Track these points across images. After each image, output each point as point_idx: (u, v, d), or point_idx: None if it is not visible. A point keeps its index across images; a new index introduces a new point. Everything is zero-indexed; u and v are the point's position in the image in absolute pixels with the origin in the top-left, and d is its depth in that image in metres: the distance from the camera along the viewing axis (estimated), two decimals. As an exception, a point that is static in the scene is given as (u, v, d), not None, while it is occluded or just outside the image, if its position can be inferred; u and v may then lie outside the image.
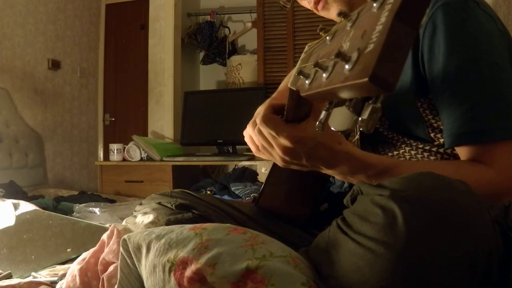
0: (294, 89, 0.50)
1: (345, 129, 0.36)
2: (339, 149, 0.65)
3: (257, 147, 0.78)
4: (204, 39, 3.59)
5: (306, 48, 0.55)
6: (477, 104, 0.67)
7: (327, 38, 0.45)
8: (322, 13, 0.85)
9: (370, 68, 0.29)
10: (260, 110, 0.82)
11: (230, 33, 3.69)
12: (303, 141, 0.62)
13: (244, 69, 3.39)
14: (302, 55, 0.55)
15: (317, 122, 0.42)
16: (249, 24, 3.54)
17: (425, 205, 0.48)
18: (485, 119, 0.67)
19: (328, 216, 0.70)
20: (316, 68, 0.39)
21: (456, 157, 0.74)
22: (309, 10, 0.90)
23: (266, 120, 0.64)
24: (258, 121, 0.66)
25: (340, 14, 0.40)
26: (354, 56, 0.32)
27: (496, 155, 0.66)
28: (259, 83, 3.33)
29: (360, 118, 0.34)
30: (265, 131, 0.65)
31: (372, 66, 0.29)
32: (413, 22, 0.31)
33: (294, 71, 0.55)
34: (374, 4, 0.33)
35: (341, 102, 0.37)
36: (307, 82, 0.43)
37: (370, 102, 0.33)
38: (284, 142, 0.63)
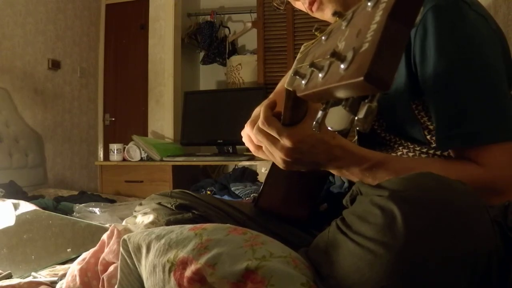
0: (291, 89, 0.50)
1: (342, 129, 0.36)
2: (334, 143, 0.66)
3: (255, 146, 0.78)
4: (204, 39, 3.59)
5: (302, 48, 0.55)
6: (467, 106, 0.67)
7: (323, 38, 0.45)
8: (317, 14, 0.85)
9: (365, 67, 0.30)
10: (257, 111, 0.82)
11: (230, 33, 3.69)
12: (304, 140, 0.64)
13: (244, 69, 3.39)
14: (298, 56, 0.55)
15: (314, 122, 0.42)
16: (249, 24, 3.54)
17: (424, 206, 0.48)
18: (475, 121, 0.67)
19: (328, 216, 0.70)
20: (312, 68, 0.39)
21: (442, 158, 0.74)
22: (307, 11, 0.90)
23: (268, 122, 0.66)
24: (260, 122, 0.68)
25: (335, 13, 0.40)
26: (349, 55, 0.32)
27: (487, 156, 0.66)
28: (259, 83, 3.33)
29: (356, 118, 0.34)
30: (267, 132, 0.67)
31: (367, 65, 0.29)
32: (407, 20, 0.31)
33: (290, 72, 0.55)
34: (369, 3, 0.33)
35: (337, 102, 0.38)
36: (303, 82, 0.43)
37: (366, 101, 0.33)
38: (286, 142, 0.64)
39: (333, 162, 0.68)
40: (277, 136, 0.65)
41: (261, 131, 0.68)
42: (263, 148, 0.72)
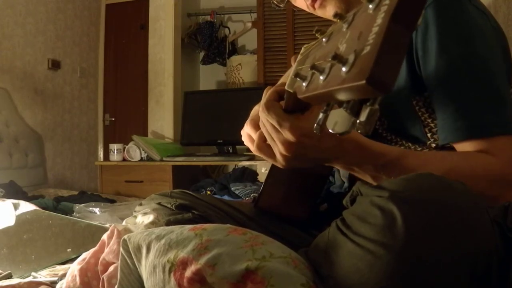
0: (291, 91, 0.50)
1: (343, 131, 0.36)
2: (346, 137, 0.62)
3: (256, 145, 0.78)
4: (204, 39, 3.59)
5: (302, 50, 0.55)
6: (472, 99, 0.67)
7: (323, 39, 0.45)
8: (319, 12, 0.85)
9: (367, 71, 0.29)
10: (256, 110, 0.82)
11: (230, 33, 3.68)
12: (308, 134, 0.58)
13: (244, 69, 3.39)
14: (299, 57, 0.55)
15: (315, 125, 0.42)
16: (249, 24, 3.54)
17: (424, 206, 0.48)
18: (482, 113, 0.67)
19: (328, 216, 0.70)
20: (313, 71, 0.39)
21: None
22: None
23: (269, 107, 0.60)
24: (261, 107, 0.62)
25: (336, 15, 0.40)
26: (351, 58, 0.32)
27: (498, 148, 0.66)
28: (259, 83, 3.33)
29: (358, 121, 0.34)
30: (267, 120, 0.61)
31: (369, 69, 0.29)
32: (409, 23, 0.31)
33: (291, 71, 0.55)
34: (370, 5, 0.33)
35: (338, 104, 0.37)
36: (304, 84, 0.43)
37: (367, 104, 0.33)
38: (288, 136, 0.59)
39: (342, 158, 0.64)
40: (277, 127, 0.59)
41: (263, 117, 0.62)
42: (258, 142, 0.66)
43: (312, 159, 0.64)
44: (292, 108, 0.59)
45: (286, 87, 0.53)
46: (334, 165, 0.68)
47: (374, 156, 0.64)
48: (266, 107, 0.60)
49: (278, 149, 0.62)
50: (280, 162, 0.65)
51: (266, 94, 0.63)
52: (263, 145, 0.66)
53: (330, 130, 0.38)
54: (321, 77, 0.37)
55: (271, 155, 0.65)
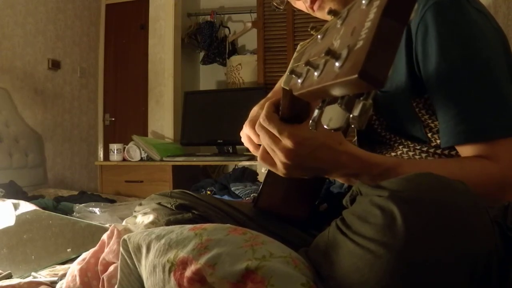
0: (287, 88, 0.50)
1: (338, 127, 0.36)
2: (341, 149, 0.64)
3: (255, 146, 0.78)
4: (204, 39, 3.59)
5: (298, 47, 0.55)
6: (473, 101, 0.67)
7: (318, 36, 0.45)
8: (318, 14, 0.85)
9: (359, 65, 0.30)
10: (255, 110, 0.81)
11: (230, 33, 3.69)
12: (305, 142, 0.61)
13: (244, 69, 3.39)
14: (295, 55, 0.55)
15: (310, 121, 0.42)
16: (249, 24, 3.54)
17: (424, 206, 0.48)
18: (483, 116, 0.66)
19: (328, 216, 0.70)
20: (308, 67, 0.39)
21: (453, 157, 0.74)
22: (307, 10, 0.90)
23: (268, 118, 0.63)
24: (260, 117, 0.65)
25: (330, 12, 0.40)
26: (344, 53, 0.32)
27: (499, 151, 0.65)
28: (259, 83, 3.33)
29: (351, 115, 0.34)
30: (267, 129, 0.64)
31: (361, 63, 0.29)
32: (401, 17, 0.31)
33: (287, 71, 0.55)
34: (363, 1, 0.34)
35: (334, 100, 0.37)
36: (299, 81, 0.43)
37: (361, 98, 0.33)
38: (286, 142, 0.61)
39: (339, 169, 0.66)
40: (277, 135, 0.62)
41: (262, 128, 0.65)
42: (262, 153, 0.68)
43: (311, 169, 0.66)
44: (288, 109, 0.61)
45: (282, 85, 0.53)
46: (334, 177, 0.69)
47: (370, 167, 0.65)
48: (266, 118, 0.63)
49: (278, 157, 0.64)
50: (281, 170, 0.66)
51: (265, 106, 0.66)
52: (267, 155, 0.67)
53: (325, 126, 0.38)
54: (316, 73, 0.37)
55: (274, 164, 0.67)
